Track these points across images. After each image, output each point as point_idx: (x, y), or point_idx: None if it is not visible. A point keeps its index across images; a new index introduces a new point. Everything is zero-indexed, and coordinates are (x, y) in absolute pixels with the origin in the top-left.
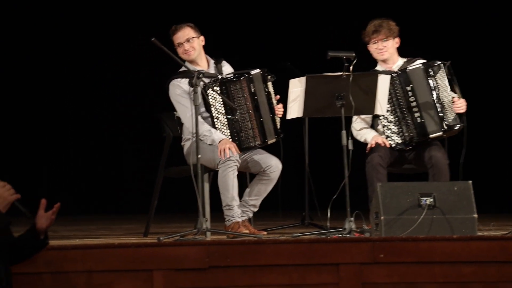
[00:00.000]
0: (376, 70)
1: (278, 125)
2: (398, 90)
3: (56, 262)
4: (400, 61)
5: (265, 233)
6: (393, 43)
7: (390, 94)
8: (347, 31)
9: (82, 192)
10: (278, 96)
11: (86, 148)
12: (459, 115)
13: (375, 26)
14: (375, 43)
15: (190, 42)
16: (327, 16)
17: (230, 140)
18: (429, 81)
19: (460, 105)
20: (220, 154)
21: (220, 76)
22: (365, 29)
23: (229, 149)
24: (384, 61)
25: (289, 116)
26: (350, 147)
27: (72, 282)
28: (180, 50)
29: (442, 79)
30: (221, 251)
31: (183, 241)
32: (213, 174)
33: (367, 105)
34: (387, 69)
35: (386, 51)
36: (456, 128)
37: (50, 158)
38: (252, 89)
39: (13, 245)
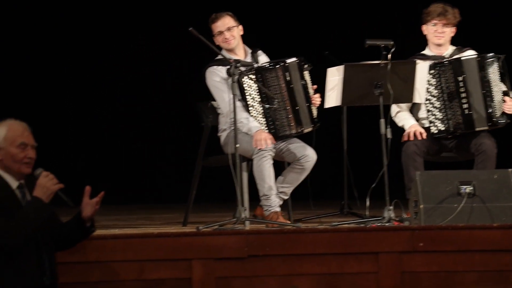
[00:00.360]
0: (424, 55)
1: (315, 114)
2: (449, 78)
3: (96, 251)
4: (450, 49)
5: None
6: (451, 31)
7: (439, 80)
8: (385, 20)
9: (122, 181)
10: (315, 86)
11: (126, 138)
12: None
13: (443, 8)
14: (435, 25)
15: (231, 31)
16: (365, 4)
17: (266, 129)
18: (481, 73)
19: (510, 107)
20: (256, 144)
21: (256, 65)
22: (428, 9)
23: (264, 140)
24: (438, 45)
25: (327, 105)
26: (389, 135)
27: (112, 272)
28: (220, 39)
29: (494, 73)
30: (260, 240)
31: (222, 230)
32: (252, 163)
33: (405, 94)
34: (437, 55)
35: (443, 37)
36: (502, 123)
37: (89, 147)
38: (288, 78)
39: (59, 232)
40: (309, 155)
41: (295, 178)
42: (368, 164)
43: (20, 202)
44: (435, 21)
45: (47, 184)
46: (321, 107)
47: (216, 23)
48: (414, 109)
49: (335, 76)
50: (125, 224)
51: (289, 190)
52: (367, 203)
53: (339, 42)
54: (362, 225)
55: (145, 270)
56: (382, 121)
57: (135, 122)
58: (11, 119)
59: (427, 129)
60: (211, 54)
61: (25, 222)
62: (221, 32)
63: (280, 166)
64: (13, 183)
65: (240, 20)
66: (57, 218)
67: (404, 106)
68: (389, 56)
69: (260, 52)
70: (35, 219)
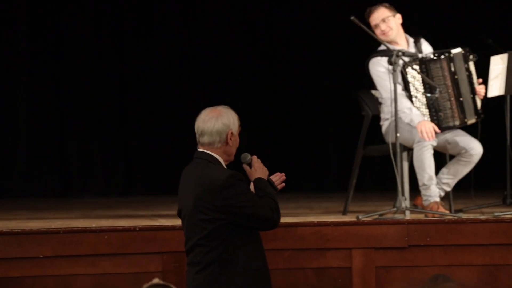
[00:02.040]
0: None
1: (479, 106)
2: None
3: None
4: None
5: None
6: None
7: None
8: None
9: (283, 169)
10: (480, 80)
11: (286, 126)
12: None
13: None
14: (376, 27)
15: (386, 22)
16: None
17: (429, 120)
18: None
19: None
20: (422, 135)
21: (420, 55)
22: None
23: (430, 132)
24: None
25: (490, 94)
26: None
27: (273, 259)
28: (377, 32)
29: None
30: (421, 230)
31: (382, 219)
32: (412, 152)
33: None
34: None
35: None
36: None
37: (251, 137)
38: (452, 68)
39: None
40: (475, 148)
41: (459, 171)
42: None
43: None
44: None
45: (263, 166)
46: (484, 97)
47: (371, 16)
48: None
49: (498, 64)
50: (286, 212)
51: (452, 182)
52: None
53: (503, 30)
54: None
55: (305, 259)
56: None
57: (296, 110)
58: (226, 106)
59: None
60: (375, 44)
61: (276, 198)
62: (377, 25)
63: (440, 156)
64: None
65: (399, 8)
66: None
67: None
68: None
69: (422, 40)
70: (274, 197)
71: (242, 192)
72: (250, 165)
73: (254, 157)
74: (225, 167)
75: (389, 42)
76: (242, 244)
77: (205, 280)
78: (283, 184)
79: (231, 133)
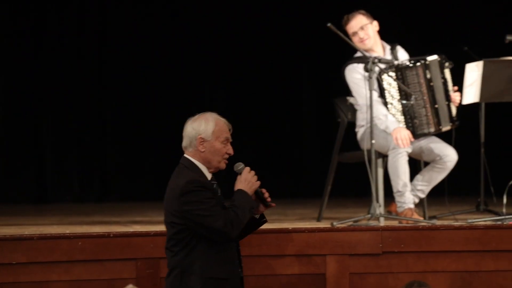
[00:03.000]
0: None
1: (454, 113)
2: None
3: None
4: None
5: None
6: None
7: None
8: None
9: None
10: (456, 87)
11: (260, 132)
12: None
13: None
14: (355, 34)
15: (364, 29)
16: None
17: (404, 126)
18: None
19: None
20: (397, 142)
21: (396, 62)
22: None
23: (406, 139)
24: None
25: (465, 101)
26: None
27: (248, 266)
28: (355, 39)
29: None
30: (395, 236)
31: (357, 226)
32: (387, 159)
33: None
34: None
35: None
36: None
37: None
38: (428, 76)
39: None
40: (450, 155)
41: (434, 177)
42: (505, 160)
43: (216, 193)
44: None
45: (252, 179)
46: (459, 104)
47: (349, 24)
48: None
49: (473, 71)
50: None
51: (427, 188)
52: (504, 200)
53: (478, 37)
54: (499, 222)
55: (280, 266)
56: None
57: (271, 117)
58: (214, 113)
59: None
60: (351, 50)
61: (243, 213)
62: (355, 33)
63: (415, 163)
64: (208, 176)
65: (376, 16)
66: None
67: None
68: None
69: (399, 47)
70: (247, 211)
71: (199, 200)
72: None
73: (247, 168)
74: (205, 173)
75: (367, 50)
76: (203, 252)
77: (170, 285)
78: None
79: (201, 138)
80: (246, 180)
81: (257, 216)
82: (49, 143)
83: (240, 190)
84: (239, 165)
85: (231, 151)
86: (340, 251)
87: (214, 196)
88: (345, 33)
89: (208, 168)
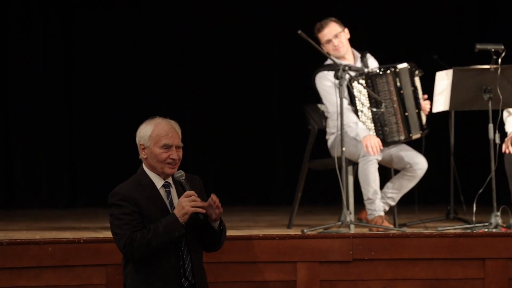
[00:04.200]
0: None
1: (424, 121)
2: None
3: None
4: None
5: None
6: (345, 36)
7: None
8: (496, 24)
9: (227, 183)
10: (426, 96)
11: (230, 139)
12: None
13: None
14: (329, 42)
15: (338, 37)
16: (475, 8)
17: (374, 134)
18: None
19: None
20: (367, 150)
21: (366, 70)
22: (317, 34)
23: (376, 147)
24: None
25: (435, 109)
26: (497, 141)
27: (218, 272)
28: (329, 47)
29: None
30: (365, 244)
31: (327, 233)
32: (357, 166)
33: None
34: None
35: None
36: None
37: (196, 150)
38: (398, 83)
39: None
40: (420, 163)
41: (404, 185)
42: (475, 169)
43: (164, 201)
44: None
45: (185, 204)
46: (429, 112)
47: (322, 31)
48: None
49: (443, 80)
50: (230, 225)
51: (397, 196)
52: (474, 208)
53: (448, 45)
54: (469, 230)
55: (250, 272)
56: (491, 126)
57: (241, 123)
58: (159, 117)
59: None
60: (320, 57)
61: (153, 237)
62: (329, 40)
63: (385, 171)
64: (159, 182)
65: (344, 23)
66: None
67: None
68: (499, 60)
69: (369, 55)
70: (163, 236)
71: (114, 214)
72: (182, 184)
73: (187, 193)
74: (155, 180)
75: (339, 57)
76: (132, 269)
77: None
78: (219, 210)
79: (141, 145)
80: (180, 204)
81: (216, 225)
82: (18, 148)
83: (171, 214)
84: (179, 173)
85: (174, 156)
86: (310, 258)
87: (133, 212)
88: (316, 40)
89: (157, 174)
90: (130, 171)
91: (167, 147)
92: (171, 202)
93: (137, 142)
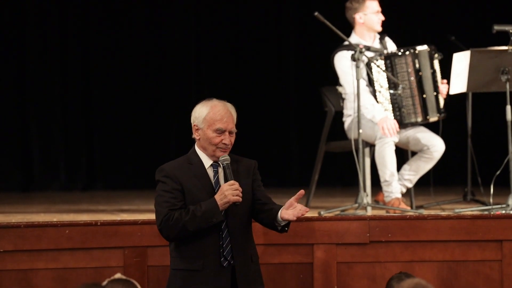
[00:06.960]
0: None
1: (442, 104)
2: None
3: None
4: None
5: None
6: None
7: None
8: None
9: None
10: (445, 80)
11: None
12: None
13: None
14: (378, 12)
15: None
16: None
17: (392, 115)
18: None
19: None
20: (383, 131)
21: (385, 51)
22: None
23: (392, 129)
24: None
25: (452, 91)
26: None
27: None
28: (375, 18)
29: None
30: (382, 226)
31: (344, 215)
32: (374, 149)
33: None
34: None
35: None
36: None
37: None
38: (417, 65)
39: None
40: (437, 145)
41: (421, 167)
42: (492, 151)
43: (210, 180)
44: (378, 8)
45: (227, 192)
46: (446, 94)
47: (374, 1)
48: None
49: (461, 61)
50: None
51: (414, 178)
52: (491, 190)
53: (466, 27)
54: (486, 212)
55: (267, 255)
56: (508, 107)
57: (258, 106)
58: (216, 100)
59: None
60: (337, 39)
61: (190, 221)
62: (379, 11)
63: (402, 153)
64: (207, 162)
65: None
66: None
67: None
68: None
69: (387, 38)
70: (200, 220)
71: (158, 190)
72: (224, 169)
73: (230, 181)
74: (205, 161)
75: (363, 37)
76: (178, 244)
77: None
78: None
79: (195, 125)
80: (221, 191)
81: (282, 224)
82: (36, 131)
83: (212, 199)
84: (224, 156)
85: (227, 141)
86: (327, 240)
87: (174, 189)
88: (332, 21)
89: (208, 155)
90: (147, 154)
91: (220, 131)
92: (216, 181)
93: (192, 122)
